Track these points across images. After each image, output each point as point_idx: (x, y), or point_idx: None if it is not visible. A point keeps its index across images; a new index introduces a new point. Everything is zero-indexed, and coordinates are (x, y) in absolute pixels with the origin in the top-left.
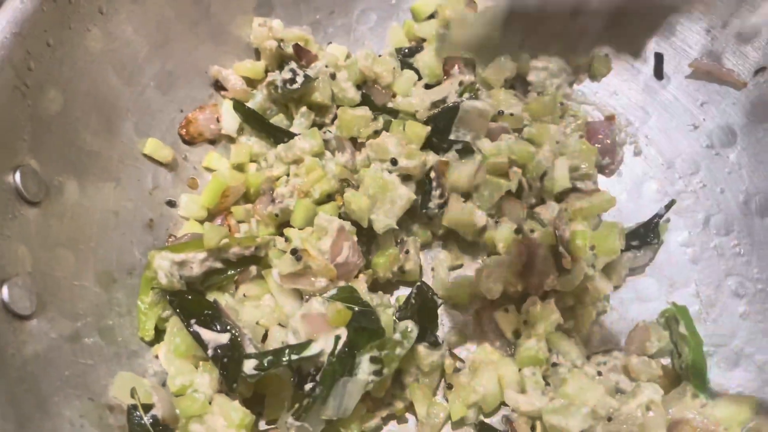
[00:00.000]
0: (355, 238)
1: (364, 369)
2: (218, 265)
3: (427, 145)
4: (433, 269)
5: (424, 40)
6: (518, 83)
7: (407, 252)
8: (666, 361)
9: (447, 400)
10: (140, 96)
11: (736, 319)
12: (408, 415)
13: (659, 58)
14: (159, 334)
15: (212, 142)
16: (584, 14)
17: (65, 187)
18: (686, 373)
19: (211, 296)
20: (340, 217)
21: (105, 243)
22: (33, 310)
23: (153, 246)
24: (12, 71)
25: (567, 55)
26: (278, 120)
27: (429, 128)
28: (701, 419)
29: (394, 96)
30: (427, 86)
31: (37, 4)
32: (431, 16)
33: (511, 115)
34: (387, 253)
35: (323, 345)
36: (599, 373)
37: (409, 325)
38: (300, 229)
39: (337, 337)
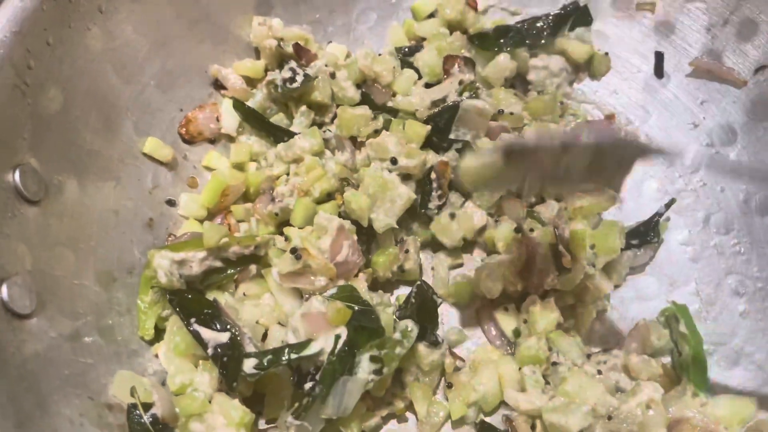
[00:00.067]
0: (355, 237)
1: (364, 368)
2: (218, 264)
3: (427, 144)
4: (433, 268)
5: (424, 39)
6: (518, 82)
7: (407, 251)
8: (666, 359)
9: (447, 399)
10: (140, 95)
11: (736, 317)
12: (408, 414)
13: (659, 56)
14: (159, 333)
15: (212, 141)
16: (570, 153)
17: (65, 186)
18: (686, 371)
19: (210, 295)
20: (339, 216)
21: (105, 242)
22: (33, 309)
23: (153, 245)
24: (12, 70)
25: (556, 191)
26: (278, 119)
27: (429, 127)
28: (701, 418)
29: (394, 95)
30: (427, 85)
31: (37, 3)
32: (431, 15)
33: (511, 114)
34: (387, 253)
35: (323, 344)
36: (599, 372)
37: (409, 324)
38: (300, 228)
39: (337, 336)
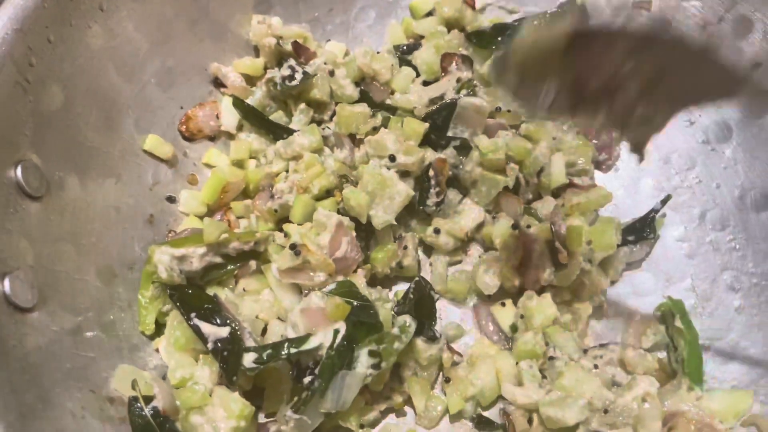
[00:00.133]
0: (354, 234)
1: (363, 362)
2: (218, 259)
3: (425, 141)
4: (431, 264)
5: (422, 37)
6: None
7: (405, 248)
8: (662, 354)
9: (445, 394)
10: (140, 93)
11: (732, 313)
12: (406, 409)
13: None
14: (159, 328)
15: (212, 138)
16: (640, 56)
17: (66, 183)
18: (682, 366)
19: (210, 290)
20: (338, 212)
21: (106, 238)
22: (34, 303)
23: (153, 241)
24: (13, 67)
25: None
26: (277, 117)
27: (427, 125)
28: (696, 411)
29: (392, 93)
30: (425, 83)
31: (38, 1)
32: (429, 14)
33: (509, 111)
34: (385, 249)
35: (322, 339)
36: (595, 366)
37: (408, 319)
38: (299, 224)
39: (336, 331)
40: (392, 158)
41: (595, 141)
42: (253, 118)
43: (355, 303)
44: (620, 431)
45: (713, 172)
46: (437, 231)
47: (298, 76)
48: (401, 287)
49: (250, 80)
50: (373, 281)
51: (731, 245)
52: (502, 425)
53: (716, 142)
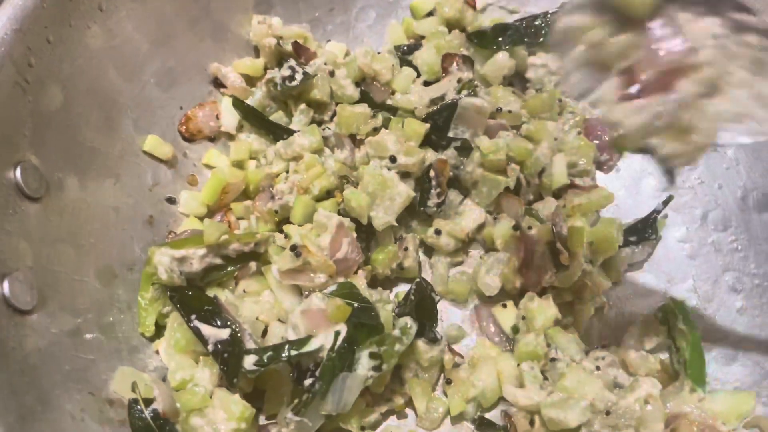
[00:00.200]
0: (354, 235)
1: (364, 364)
2: (218, 261)
3: (426, 142)
4: (432, 265)
5: (422, 37)
6: (516, 80)
7: (406, 249)
8: (664, 356)
9: (446, 395)
10: (140, 93)
11: (734, 314)
12: (407, 410)
13: None
14: (159, 329)
15: (212, 139)
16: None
17: (66, 183)
18: (684, 367)
19: (211, 292)
20: (339, 213)
21: (105, 239)
22: (34, 304)
23: (153, 242)
24: (13, 67)
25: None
26: (277, 117)
27: (428, 125)
28: (699, 413)
29: (392, 93)
30: (426, 83)
31: (37, 1)
32: (430, 14)
33: (510, 112)
34: (386, 250)
35: (323, 340)
36: (597, 368)
37: (408, 321)
38: (299, 225)
39: (337, 333)
40: (393, 159)
41: (596, 141)
42: (253, 118)
43: (355, 304)
44: None
45: (715, 173)
46: (438, 232)
47: (299, 76)
48: (402, 288)
49: (250, 80)
50: (373, 282)
51: (733, 246)
52: (504, 427)
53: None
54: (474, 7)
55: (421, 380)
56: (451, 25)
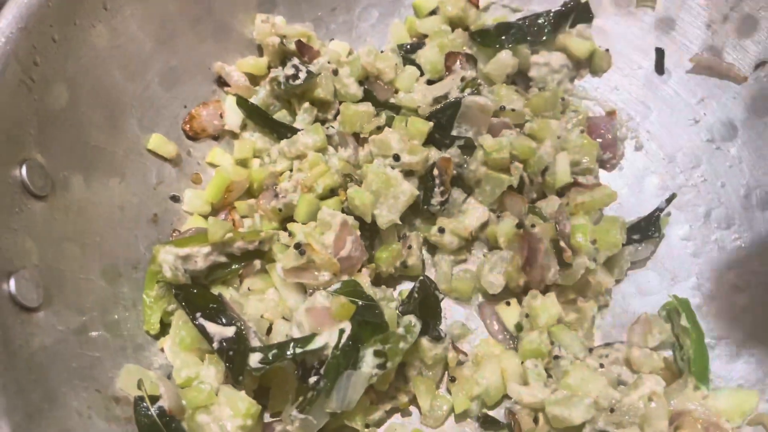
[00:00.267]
0: (358, 233)
1: (368, 362)
2: (222, 259)
3: (429, 140)
4: (435, 263)
5: (425, 36)
6: (519, 79)
7: (410, 247)
8: (668, 353)
9: (450, 393)
10: (144, 92)
11: (737, 311)
12: (412, 408)
13: (660, 53)
14: (164, 327)
15: (215, 137)
16: None
17: (71, 182)
18: (688, 365)
19: (215, 290)
20: (342, 212)
21: (110, 237)
22: (40, 302)
23: (157, 240)
24: (18, 66)
25: None
26: (281, 116)
27: (431, 124)
28: (703, 410)
29: (396, 92)
30: (429, 82)
31: (42, 0)
32: (433, 12)
33: (513, 110)
34: (390, 248)
35: (327, 338)
36: (601, 366)
37: (413, 319)
38: (303, 223)
39: (341, 331)
40: (396, 157)
41: (599, 139)
42: (256, 117)
43: (360, 302)
44: (627, 430)
45: (718, 171)
46: (442, 230)
47: (302, 75)
48: (405, 286)
49: (254, 79)
50: (377, 280)
51: (737, 244)
52: (508, 425)
53: (721, 141)
54: (477, 6)
55: (425, 378)
56: (454, 23)
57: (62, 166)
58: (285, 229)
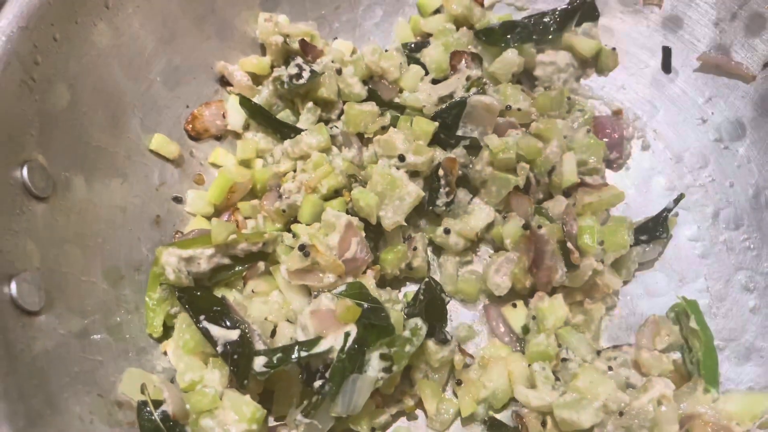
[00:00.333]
0: (363, 234)
1: (374, 366)
2: (226, 261)
3: (435, 140)
4: (440, 265)
5: (430, 35)
6: (525, 78)
7: (415, 248)
8: (676, 355)
9: (456, 396)
10: (146, 92)
11: (747, 313)
12: (418, 412)
13: (667, 51)
14: (167, 330)
15: (218, 137)
16: None
17: (72, 183)
18: (697, 367)
19: (219, 292)
20: (347, 213)
21: (112, 239)
22: (41, 305)
23: (160, 242)
24: (19, 65)
25: None
26: (284, 116)
27: (436, 124)
28: (713, 414)
29: (400, 91)
30: (434, 81)
31: None
32: (437, 11)
33: (519, 110)
34: (395, 250)
35: (332, 342)
36: (610, 368)
37: (419, 322)
38: (307, 225)
39: (347, 334)
40: (402, 158)
41: (605, 139)
42: (260, 117)
43: (365, 305)
44: None
45: (726, 171)
46: (447, 231)
47: (306, 74)
48: (410, 288)
49: (257, 79)
50: (382, 282)
51: (745, 245)
52: (515, 428)
53: (729, 140)
54: (482, 5)
55: (431, 381)
56: (459, 22)
57: (64, 167)
58: (289, 231)
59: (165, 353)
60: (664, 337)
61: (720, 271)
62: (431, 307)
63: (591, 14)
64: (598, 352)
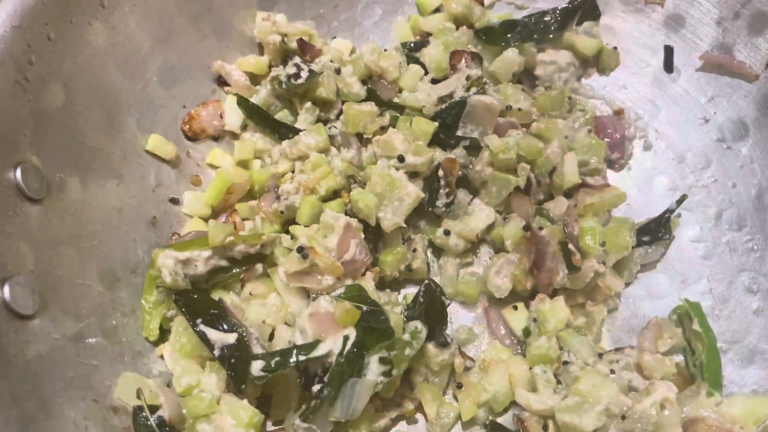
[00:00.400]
0: (362, 236)
1: (373, 370)
2: (223, 263)
3: (434, 141)
4: (440, 266)
5: (429, 34)
6: (525, 77)
7: (415, 250)
8: (679, 358)
9: (457, 400)
10: (143, 91)
11: (750, 315)
12: (418, 416)
13: (669, 50)
14: (163, 333)
15: (215, 138)
16: None
17: (67, 184)
18: (700, 370)
19: (216, 295)
20: (346, 214)
21: (108, 241)
22: (35, 309)
23: (156, 244)
24: (13, 65)
25: None
26: (282, 116)
27: (436, 124)
28: (717, 417)
29: (400, 91)
30: (434, 81)
31: None
32: (437, 10)
33: (519, 110)
34: (395, 252)
35: (331, 345)
36: (612, 371)
37: (418, 325)
38: (306, 226)
39: (346, 337)
40: (401, 159)
41: (607, 139)
42: (257, 117)
43: (365, 308)
44: None
45: (729, 171)
46: (447, 232)
47: (304, 74)
48: (410, 290)
49: (255, 78)
50: (381, 284)
51: (749, 246)
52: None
53: (732, 140)
54: (482, 3)
55: (432, 385)
56: (459, 21)
57: (58, 168)
58: (287, 232)
59: (161, 357)
60: (666, 340)
61: (723, 273)
62: (431, 309)
63: (592, 13)
64: (600, 355)
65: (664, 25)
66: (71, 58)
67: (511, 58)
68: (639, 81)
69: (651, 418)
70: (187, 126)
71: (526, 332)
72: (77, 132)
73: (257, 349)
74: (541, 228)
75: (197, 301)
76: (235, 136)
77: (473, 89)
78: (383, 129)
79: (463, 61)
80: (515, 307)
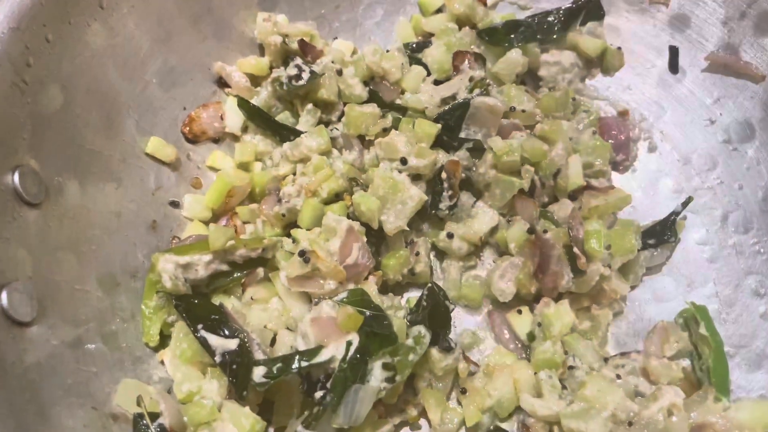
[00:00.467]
0: (365, 239)
1: (377, 376)
2: (224, 267)
3: (437, 143)
4: (443, 270)
5: (432, 34)
6: (529, 78)
7: (417, 253)
8: (686, 362)
9: (461, 405)
10: (142, 93)
11: (757, 319)
12: (421, 422)
13: (674, 51)
14: (164, 339)
15: (216, 140)
16: None
17: (66, 188)
18: (707, 375)
19: (216, 299)
20: (348, 217)
21: (107, 245)
22: (33, 316)
23: (156, 248)
24: (10, 67)
25: None
26: (283, 117)
27: (439, 126)
28: (724, 423)
29: (402, 92)
30: (437, 82)
31: None
32: (439, 10)
33: (523, 111)
34: (397, 255)
35: (334, 351)
36: (618, 377)
37: (422, 330)
38: (308, 229)
39: (349, 343)
40: (404, 161)
41: (611, 141)
42: (258, 119)
43: (368, 313)
44: None
45: (735, 173)
46: (450, 235)
47: (305, 75)
48: (413, 294)
49: (255, 80)
50: (383, 288)
51: (755, 248)
52: None
53: (738, 142)
54: (485, 4)
55: (435, 390)
56: (461, 21)
57: (56, 172)
58: (289, 236)
59: (162, 362)
60: (672, 344)
61: (729, 276)
62: (434, 313)
63: (596, 13)
64: (606, 360)
65: (669, 25)
66: (70, 60)
67: (514, 58)
68: (644, 82)
69: (658, 425)
70: (188, 128)
71: (531, 336)
72: (76, 135)
73: (259, 355)
74: (545, 231)
75: (198, 306)
76: (235, 138)
77: (476, 90)
78: (385, 131)
79: (466, 62)
80: (519, 311)
